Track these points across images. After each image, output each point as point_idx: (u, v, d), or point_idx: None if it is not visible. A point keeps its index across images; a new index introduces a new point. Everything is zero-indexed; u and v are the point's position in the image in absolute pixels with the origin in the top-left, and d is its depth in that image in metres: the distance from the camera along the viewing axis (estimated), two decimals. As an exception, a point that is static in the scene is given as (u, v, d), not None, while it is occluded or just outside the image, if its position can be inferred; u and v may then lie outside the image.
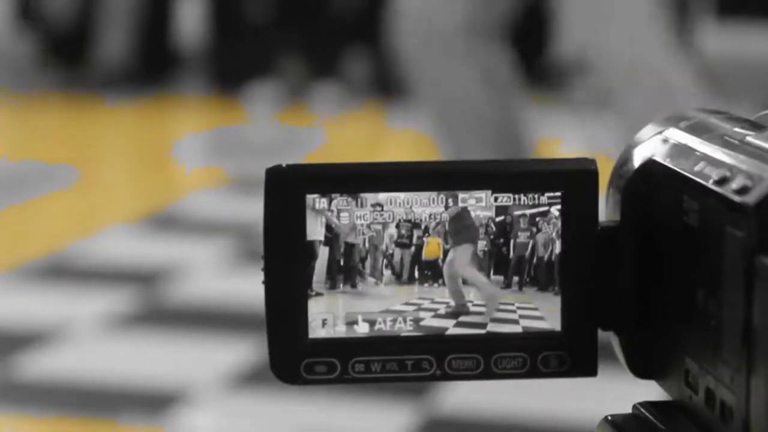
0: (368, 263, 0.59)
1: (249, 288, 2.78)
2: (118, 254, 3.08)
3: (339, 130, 4.76)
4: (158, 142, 4.51)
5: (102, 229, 3.35)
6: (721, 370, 0.52)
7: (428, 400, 2.23)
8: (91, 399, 2.26)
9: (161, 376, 2.34)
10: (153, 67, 5.65)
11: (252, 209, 3.47)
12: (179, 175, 4.00)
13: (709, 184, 0.53)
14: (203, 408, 2.21)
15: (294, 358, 0.58)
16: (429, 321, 0.59)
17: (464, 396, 2.26)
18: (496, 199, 0.59)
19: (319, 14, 5.28)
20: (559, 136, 4.48)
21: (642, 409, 0.58)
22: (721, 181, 0.52)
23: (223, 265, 2.99)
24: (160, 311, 2.68)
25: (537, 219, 0.59)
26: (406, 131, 4.44)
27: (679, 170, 0.56)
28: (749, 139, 0.54)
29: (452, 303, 0.59)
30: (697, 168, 0.55)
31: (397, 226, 0.59)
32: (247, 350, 2.44)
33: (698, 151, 0.56)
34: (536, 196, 0.59)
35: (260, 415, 2.19)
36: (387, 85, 5.45)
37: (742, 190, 0.51)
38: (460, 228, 0.59)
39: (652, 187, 0.58)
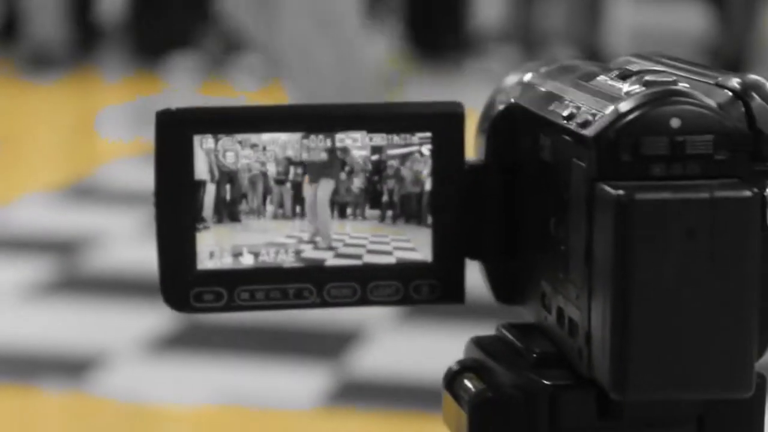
0: (252, 199, 0.63)
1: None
2: (36, 223, 3.10)
3: (260, 101, 4.78)
4: (81, 115, 4.51)
5: (19, 198, 3.36)
6: (569, 290, 0.58)
7: (343, 364, 2.28)
8: (11, 366, 2.29)
9: (80, 341, 2.37)
10: (77, 42, 5.63)
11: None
12: (100, 145, 4.02)
13: (559, 121, 0.58)
14: (122, 372, 2.25)
15: (183, 287, 0.63)
16: (309, 253, 0.64)
17: (378, 360, 2.31)
18: (371, 139, 0.64)
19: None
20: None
21: (504, 330, 0.63)
22: (568, 118, 0.58)
23: (140, 233, 3.02)
24: (78, 279, 2.70)
25: (409, 157, 0.64)
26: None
27: (535, 110, 0.61)
28: (596, 79, 0.60)
29: (318, 237, 0.63)
30: (550, 108, 0.60)
31: (278, 165, 0.63)
32: (164, 316, 2.47)
33: (552, 93, 0.61)
34: (408, 136, 0.64)
35: (177, 380, 2.23)
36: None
37: (584, 124, 0.56)
38: (320, 166, 0.64)
39: (513, 127, 0.63)
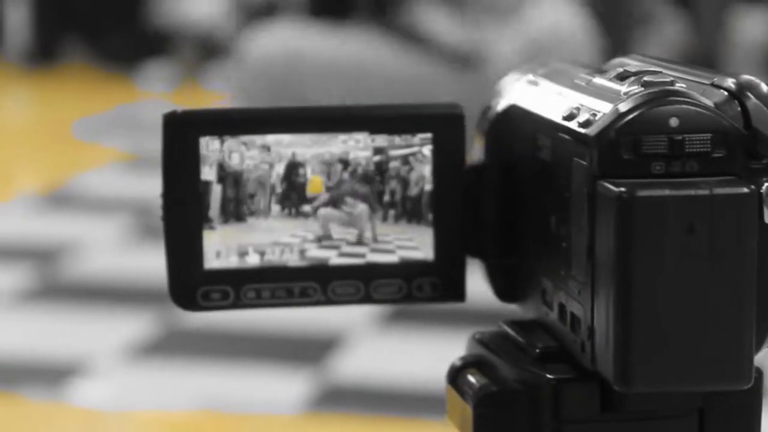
0: (258, 199, 0.65)
1: (146, 263, 2.81)
2: (15, 231, 3.10)
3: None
4: (55, 120, 4.50)
5: (-2, 206, 3.35)
6: (571, 286, 0.59)
7: (325, 369, 2.29)
8: (-9, 372, 2.29)
9: (61, 349, 2.37)
10: (52, 46, 5.62)
11: (148, 186, 3.50)
12: (76, 152, 4.01)
13: (559, 121, 0.60)
14: (102, 380, 2.25)
15: (191, 286, 0.64)
16: (313, 251, 0.65)
17: (361, 365, 2.32)
18: (373, 140, 0.65)
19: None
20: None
21: (506, 326, 0.64)
22: (569, 118, 0.59)
23: (119, 241, 3.02)
24: (57, 287, 2.70)
25: (410, 158, 0.66)
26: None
27: (534, 111, 0.63)
28: (593, 81, 0.61)
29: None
30: (549, 108, 0.62)
31: (283, 166, 0.65)
32: (145, 323, 2.47)
33: (551, 94, 0.63)
34: (409, 137, 0.66)
35: (158, 386, 2.23)
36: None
37: (585, 124, 0.58)
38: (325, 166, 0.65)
39: (512, 128, 0.65)
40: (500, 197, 0.65)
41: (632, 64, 0.64)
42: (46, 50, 5.57)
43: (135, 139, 4.07)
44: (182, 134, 0.64)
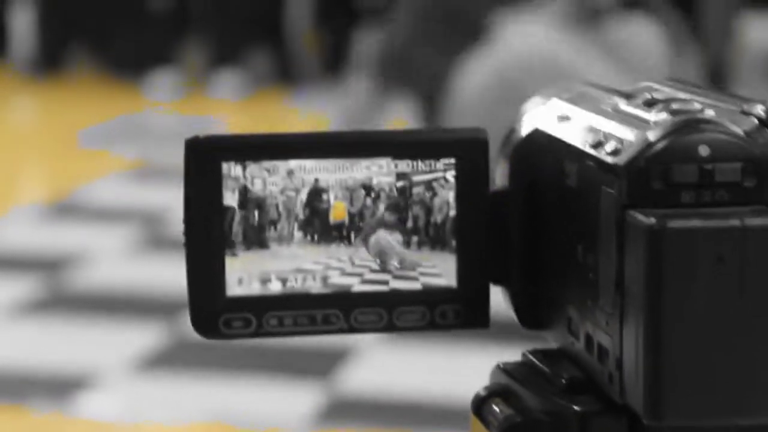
0: (280, 225, 0.64)
1: (152, 273, 2.81)
2: (21, 241, 3.09)
3: (240, 116, 4.79)
4: (62, 129, 4.50)
5: (2, 215, 3.35)
6: (598, 316, 0.58)
7: (335, 382, 2.29)
8: (-1, 384, 2.28)
9: (67, 361, 2.36)
10: (59, 54, 5.63)
11: (154, 195, 3.50)
12: (82, 161, 4.01)
13: (586, 149, 0.59)
14: (110, 391, 2.25)
15: (213, 314, 0.63)
16: (336, 279, 0.64)
17: (371, 378, 2.32)
18: (396, 166, 0.65)
19: (221, 4, 5.29)
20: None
21: (531, 356, 0.64)
22: (596, 146, 0.58)
23: (126, 251, 3.02)
24: (64, 297, 2.70)
25: (433, 184, 0.65)
26: (306, 115, 4.48)
27: (559, 137, 0.62)
28: (620, 107, 0.61)
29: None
30: (575, 135, 0.61)
31: (306, 192, 0.64)
32: (152, 335, 2.47)
33: (577, 120, 0.62)
34: (432, 162, 0.65)
35: (167, 399, 2.22)
36: (287, 73, 5.48)
37: (614, 153, 0.57)
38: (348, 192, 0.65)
39: (537, 153, 0.64)
40: (525, 223, 0.65)
41: (659, 89, 0.63)
42: (52, 58, 5.57)
43: (141, 147, 4.06)
44: (204, 160, 0.63)
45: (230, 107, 5.04)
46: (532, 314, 0.65)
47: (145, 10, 5.35)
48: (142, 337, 2.44)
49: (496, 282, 0.66)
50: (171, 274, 2.79)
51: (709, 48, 5.00)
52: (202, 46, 5.37)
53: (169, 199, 3.46)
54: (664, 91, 0.62)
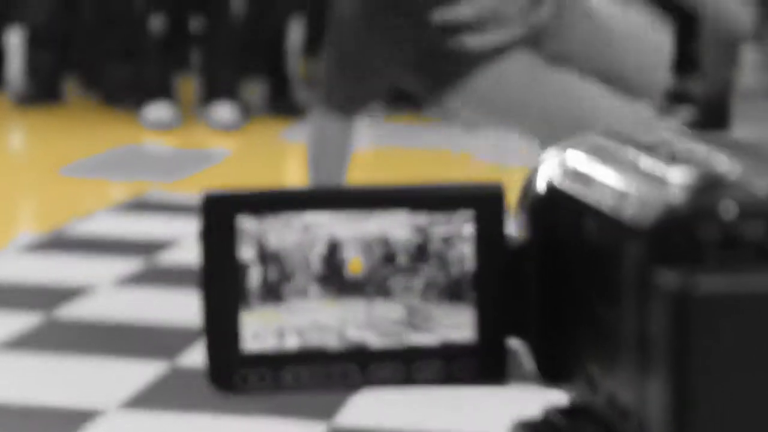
0: (296, 280, 0.63)
1: (149, 307, 2.79)
2: (14, 274, 3.07)
3: (236, 146, 4.79)
4: (56, 159, 4.49)
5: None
6: (620, 373, 0.58)
7: (338, 416, 2.27)
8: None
9: (66, 397, 2.35)
10: (53, 84, 5.63)
11: (149, 227, 3.49)
12: (76, 192, 4.00)
13: (606, 207, 0.59)
14: (108, 427, 2.23)
15: (229, 368, 0.63)
16: (353, 333, 0.64)
17: (374, 411, 2.30)
18: (413, 219, 0.64)
19: (217, 36, 5.29)
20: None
21: (551, 413, 0.63)
22: (617, 204, 0.58)
23: (121, 283, 3.01)
24: (59, 331, 2.68)
25: (450, 237, 0.64)
26: (300, 146, 4.47)
27: (578, 194, 0.62)
28: (641, 162, 0.60)
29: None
30: (594, 191, 0.61)
31: (322, 245, 0.63)
32: (147, 369, 2.46)
33: (596, 175, 0.62)
34: (450, 216, 0.64)
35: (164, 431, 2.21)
36: (281, 104, 5.48)
37: (634, 211, 0.56)
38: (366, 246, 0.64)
39: (555, 208, 0.64)
40: (543, 277, 0.64)
41: (679, 142, 0.63)
42: (46, 89, 5.57)
43: (137, 178, 4.05)
44: (220, 215, 0.62)
45: (226, 138, 5.04)
46: (551, 369, 0.65)
47: (141, 40, 5.35)
48: (139, 372, 2.43)
49: (515, 335, 0.65)
50: (169, 307, 2.78)
51: (708, 75, 4.99)
52: (197, 77, 5.37)
53: (165, 231, 3.45)
54: (684, 145, 0.62)
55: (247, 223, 0.63)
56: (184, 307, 2.76)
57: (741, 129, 4.96)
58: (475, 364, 0.64)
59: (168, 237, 3.40)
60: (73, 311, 2.78)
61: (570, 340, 0.63)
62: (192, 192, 3.88)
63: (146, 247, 3.29)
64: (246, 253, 0.63)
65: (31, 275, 3.05)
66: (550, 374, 0.65)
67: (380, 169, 4.54)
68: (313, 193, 0.64)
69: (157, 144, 4.65)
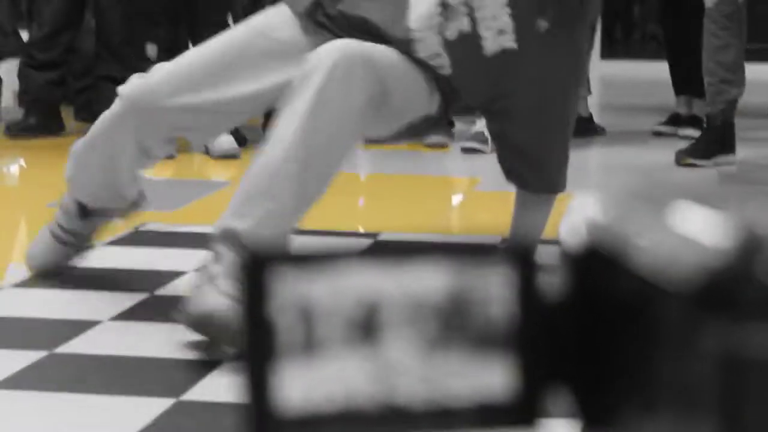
0: (332, 338, 0.63)
1: (152, 341, 2.78)
2: (7, 310, 3.05)
3: (237, 174, 4.79)
4: (51, 192, 4.49)
5: None
6: (666, 427, 0.58)
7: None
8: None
9: None
10: (49, 118, 5.63)
11: (146, 259, 3.48)
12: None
13: (645, 268, 0.59)
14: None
15: (264, 430, 0.63)
16: (390, 392, 0.64)
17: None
18: (447, 274, 0.64)
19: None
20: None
21: None
22: (657, 267, 0.58)
23: (122, 316, 2.99)
24: (59, 367, 2.66)
25: (486, 292, 0.65)
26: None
27: (614, 253, 0.62)
28: (677, 220, 0.60)
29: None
30: (631, 250, 0.61)
31: (359, 305, 0.64)
32: (154, 408, 2.44)
33: (631, 235, 0.62)
34: (485, 271, 0.65)
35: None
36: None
37: (673, 273, 0.57)
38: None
39: (591, 264, 0.64)
40: (583, 331, 0.64)
41: (711, 196, 0.63)
42: (41, 121, 5.58)
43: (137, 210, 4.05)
44: (260, 271, 0.63)
45: (227, 166, 5.05)
46: (592, 419, 0.65)
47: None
48: (140, 412, 2.42)
49: (559, 389, 0.65)
50: (174, 344, 2.77)
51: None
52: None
53: (167, 263, 3.44)
54: (717, 196, 0.62)
55: (286, 281, 0.63)
56: (188, 342, 2.75)
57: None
58: (512, 416, 0.65)
59: (169, 268, 3.39)
60: (74, 347, 2.77)
61: (614, 394, 0.63)
62: (192, 222, 3.87)
63: (146, 279, 3.28)
64: (285, 311, 0.63)
65: (24, 310, 3.03)
66: (593, 424, 0.65)
67: (382, 197, 4.55)
68: (351, 252, 0.64)
69: (156, 173, 4.65)
